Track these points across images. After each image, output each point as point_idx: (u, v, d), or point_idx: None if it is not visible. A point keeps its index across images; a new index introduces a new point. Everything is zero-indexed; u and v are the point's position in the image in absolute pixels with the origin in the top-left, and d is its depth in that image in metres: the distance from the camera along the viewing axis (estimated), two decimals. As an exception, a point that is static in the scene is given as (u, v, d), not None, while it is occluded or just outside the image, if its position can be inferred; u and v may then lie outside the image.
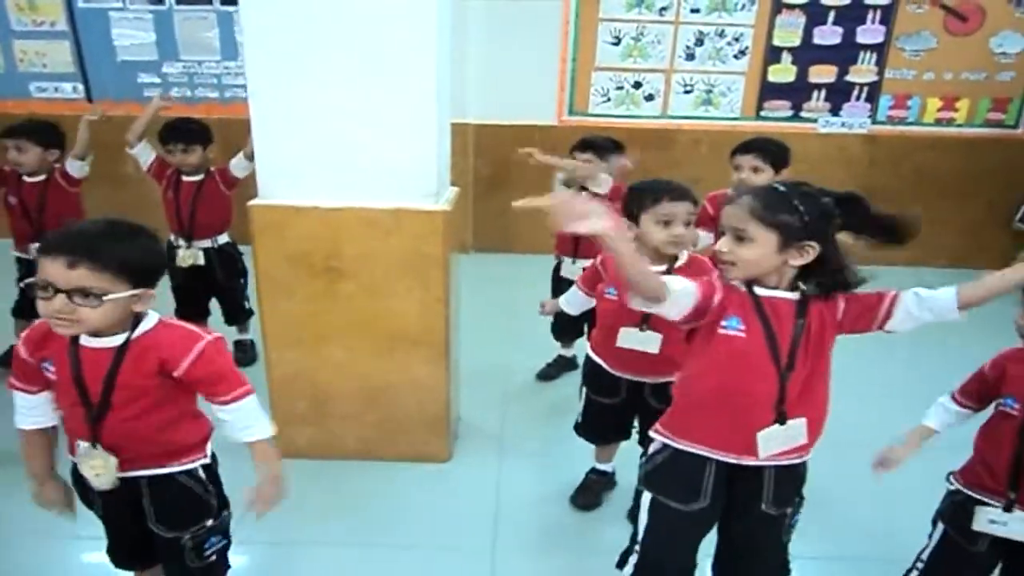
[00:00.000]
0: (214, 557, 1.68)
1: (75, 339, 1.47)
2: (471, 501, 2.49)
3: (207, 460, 1.65)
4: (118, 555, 1.75)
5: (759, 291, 1.54)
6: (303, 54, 2.21)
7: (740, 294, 1.56)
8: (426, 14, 2.18)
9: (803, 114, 5.05)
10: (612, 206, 2.90)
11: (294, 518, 2.35)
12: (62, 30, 4.92)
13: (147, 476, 1.57)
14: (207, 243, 3.23)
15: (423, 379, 2.56)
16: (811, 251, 1.48)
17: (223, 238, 3.27)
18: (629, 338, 2.13)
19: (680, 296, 1.51)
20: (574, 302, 2.41)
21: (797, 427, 1.56)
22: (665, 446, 1.68)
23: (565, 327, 3.25)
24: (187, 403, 1.59)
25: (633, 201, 2.06)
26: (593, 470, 2.51)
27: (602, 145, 3.12)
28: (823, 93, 5.01)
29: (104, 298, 1.38)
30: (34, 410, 1.58)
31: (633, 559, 1.77)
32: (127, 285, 1.41)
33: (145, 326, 1.51)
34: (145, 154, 3.21)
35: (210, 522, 1.66)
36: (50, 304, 1.36)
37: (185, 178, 3.19)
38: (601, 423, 2.38)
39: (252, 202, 2.38)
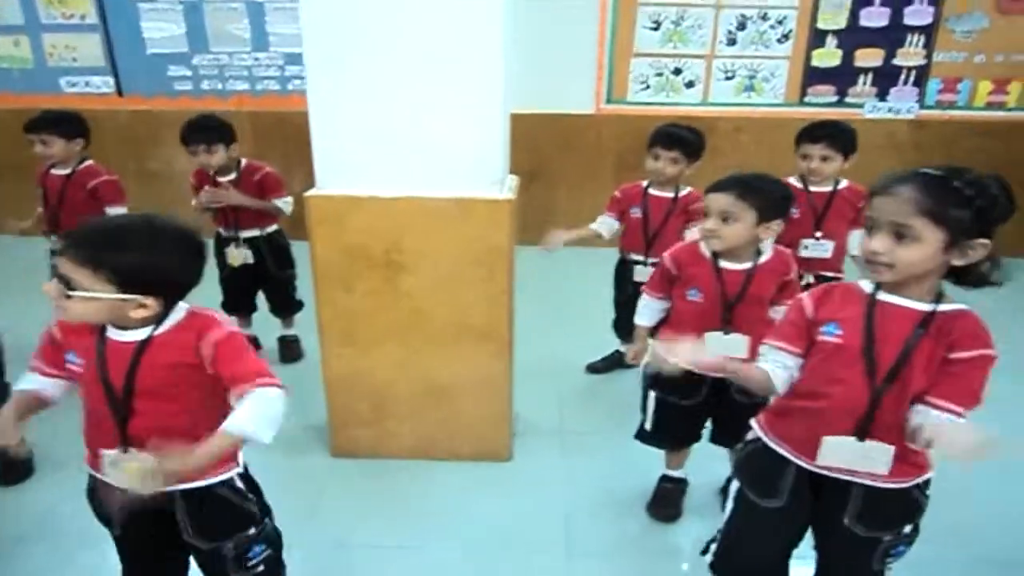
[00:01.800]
0: (261, 568, 1.58)
1: (102, 332, 1.40)
2: (538, 499, 2.40)
3: (240, 469, 1.54)
4: None
5: (882, 296, 1.41)
6: (363, 37, 2.10)
7: (855, 299, 1.44)
8: (493, -4, 2.07)
9: (848, 99, 4.89)
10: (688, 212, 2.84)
11: (356, 519, 2.29)
12: (92, 23, 4.84)
13: (181, 489, 1.45)
14: (255, 232, 3.16)
15: (487, 375, 2.46)
16: (981, 250, 1.30)
17: (272, 226, 3.19)
18: (713, 342, 1.98)
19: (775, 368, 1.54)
20: (650, 312, 2.25)
21: (878, 451, 1.43)
22: (758, 438, 1.64)
23: (629, 323, 3.13)
24: (215, 405, 1.41)
25: None
26: (666, 478, 2.39)
27: (691, 141, 2.91)
28: (869, 77, 4.84)
29: (74, 293, 1.31)
30: (40, 381, 1.46)
31: (715, 547, 1.73)
32: (111, 287, 1.32)
33: (171, 320, 1.41)
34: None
35: (252, 531, 1.56)
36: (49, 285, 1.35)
37: (220, 178, 3.10)
38: (675, 426, 2.25)
39: (309, 192, 2.28)
